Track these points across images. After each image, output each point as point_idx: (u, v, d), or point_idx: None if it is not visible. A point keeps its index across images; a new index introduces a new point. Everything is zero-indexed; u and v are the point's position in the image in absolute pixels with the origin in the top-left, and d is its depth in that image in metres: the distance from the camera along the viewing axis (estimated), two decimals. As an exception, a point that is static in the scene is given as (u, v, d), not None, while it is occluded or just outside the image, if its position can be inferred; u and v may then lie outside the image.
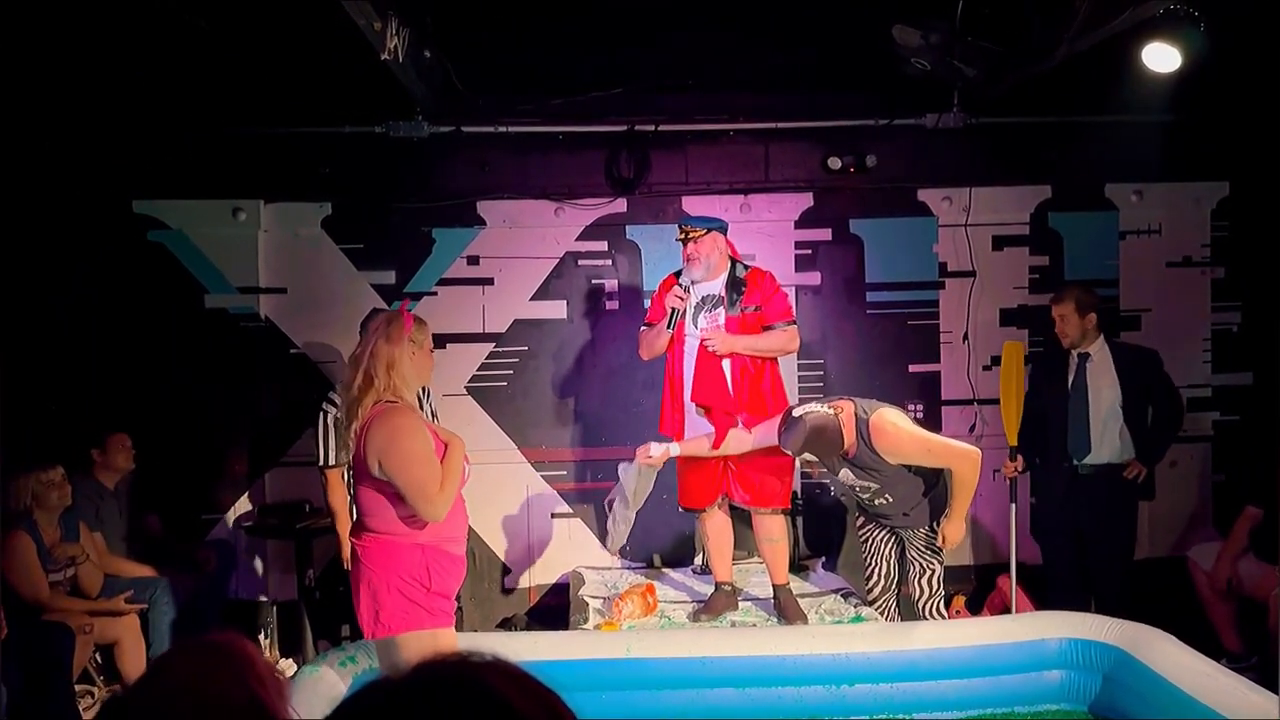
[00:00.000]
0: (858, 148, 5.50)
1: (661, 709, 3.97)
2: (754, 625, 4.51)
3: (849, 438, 4.03)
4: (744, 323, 4.42)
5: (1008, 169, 5.62)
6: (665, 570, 5.41)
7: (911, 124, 5.37)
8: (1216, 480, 5.71)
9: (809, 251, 5.62)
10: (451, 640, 3.18)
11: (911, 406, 5.56)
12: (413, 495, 2.95)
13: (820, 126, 5.49)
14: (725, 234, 4.52)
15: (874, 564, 4.44)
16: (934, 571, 4.30)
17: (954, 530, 4.16)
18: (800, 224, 5.61)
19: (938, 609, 4.33)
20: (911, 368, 5.61)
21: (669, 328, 4.43)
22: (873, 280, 5.63)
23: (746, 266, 4.57)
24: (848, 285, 5.63)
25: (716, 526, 4.64)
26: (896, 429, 4.02)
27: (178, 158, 5.29)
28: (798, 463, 5.06)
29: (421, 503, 2.95)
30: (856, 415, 4.05)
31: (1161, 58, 4.45)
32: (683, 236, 4.46)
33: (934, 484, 4.18)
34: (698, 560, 5.34)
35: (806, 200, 5.61)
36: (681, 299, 4.41)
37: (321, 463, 4.58)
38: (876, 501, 4.24)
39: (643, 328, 4.68)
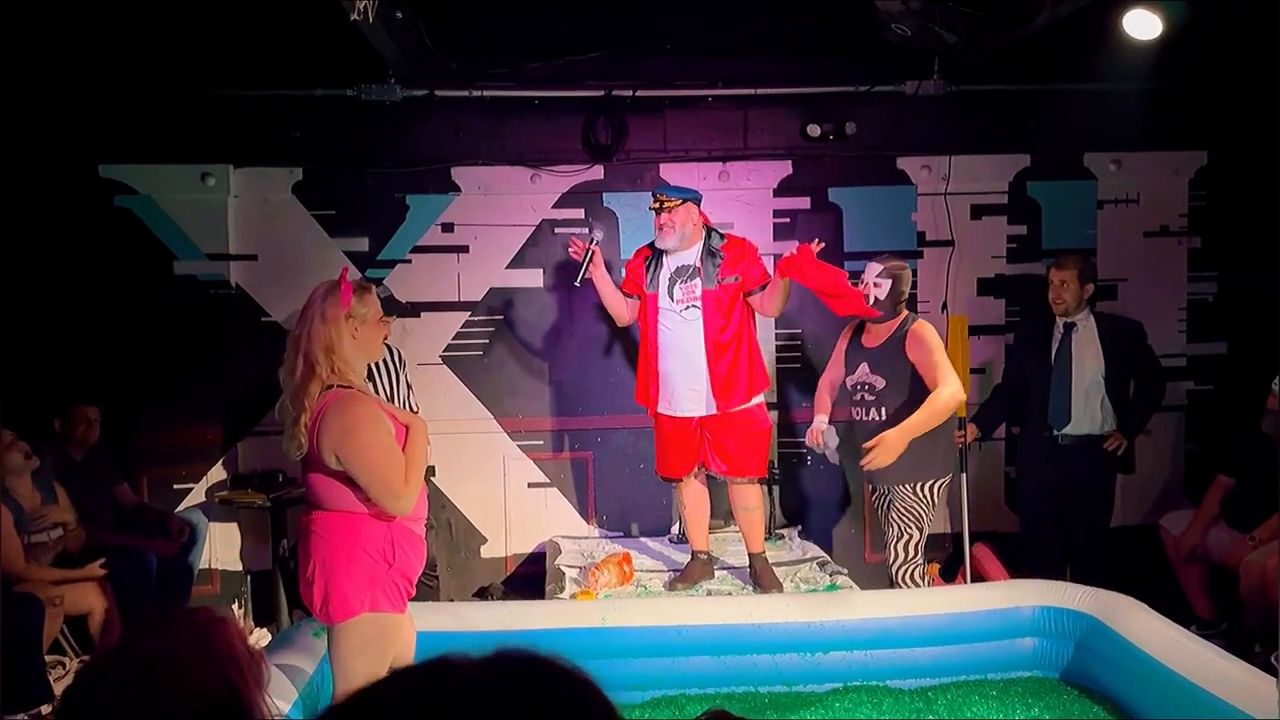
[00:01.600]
0: (837, 115, 5.45)
1: (638, 677, 3.97)
2: (729, 594, 4.52)
3: (899, 318, 4.31)
4: (722, 296, 4.38)
5: (987, 137, 5.59)
6: (642, 539, 5.41)
7: (891, 91, 5.31)
8: (1189, 450, 5.75)
9: (787, 220, 5.58)
10: (410, 631, 3.03)
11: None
12: (376, 491, 2.76)
13: (800, 93, 5.44)
14: (699, 205, 4.48)
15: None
16: (911, 538, 4.32)
17: (894, 439, 4.03)
18: (779, 192, 5.57)
19: (912, 576, 4.34)
20: (889, 337, 5.59)
21: (577, 281, 4.48)
22: (851, 249, 5.60)
23: (722, 236, 4.51)
24: (826, 254, 5.58)
25: (693, 496, 4.65)
26: (929, 333, 4.26)
27: (145, 121, 5.17)
28: (775, 430, 5.09)
29: (387, 498, 2.76)
30: (908, 315, 4.37)
31: (1143, 25, 4.43)
32: (656, 205, 4.41)
33: (930, 437, 4.16)
34: (675, 529, 5.35)
35: (785, 168, 5.56)
36: (589, 247, 4.46)
37: None
38: (870, 414, 4.30)
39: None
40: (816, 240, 4.38)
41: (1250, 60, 5.06)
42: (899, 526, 4.32)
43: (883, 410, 4.27)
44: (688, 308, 4.41)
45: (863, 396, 4.35)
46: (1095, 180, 5.67)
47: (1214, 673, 3.33)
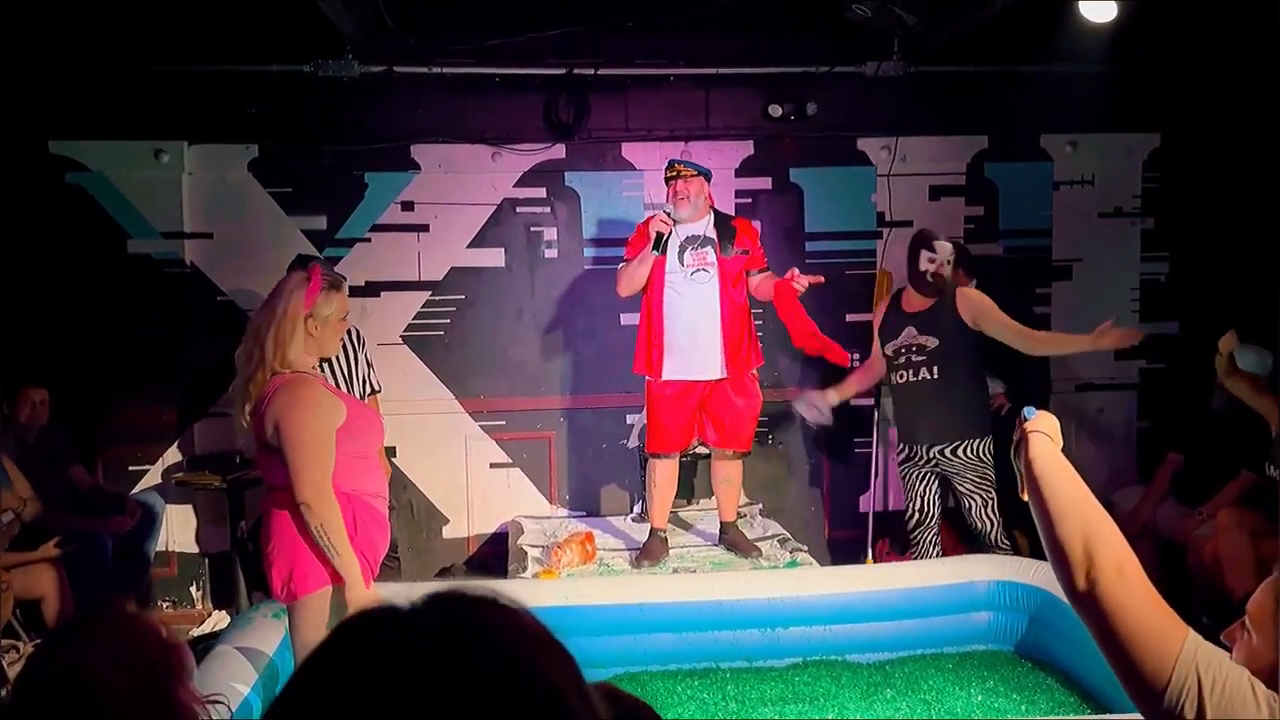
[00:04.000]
0: (798, 95, 5.46)
1: (600, 655, 3.99)
2: (694, 571, 4.56)
3: (951, 281, 4.49)
4: (734, 266, 4.56)
5: (946, 119, 5.63)
6: (604, 518, 5.43)
7: (851, 72, 5.33)
8: (1141, 427, 5.86)
9: (749, 200, 5.59)
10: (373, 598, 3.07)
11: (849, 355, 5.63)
12: (295, 473, 2.75)
13: (761, 73, 5.44)
14: (709, 182, 4.61)
15: (911, 499, 4.65)
16: (991, 501, 4.48)
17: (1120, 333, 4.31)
18: (741, 172, 5.58)
19: (1002, 538, 4.51)
20: (849, 317, 5.62)
21: (655, 249, 4.44)
22: (812, 230, 5.64)
23: (729, 215, 4.73)
24: (788, 235, 5.62)
25: (667, 474, 4.73)
26: (983, 296, 4.46)
27: (97, 96, 5.06)
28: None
29: (303, 484, 2.74)
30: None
31: (1098, 8, 4.48)
32: (673, 173, 4.52)
33: (979, 395, 4.41)
34: (636, 509, 5.37)
35: (747, 148, 5.57)
36: (666, 224, 4.43)
37: None
38: (920, 374, 4.44)
39: (621, 264, 4.65)
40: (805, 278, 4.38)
41: (1202, 44, 5.14)
42: (981, 496, 4.47)
43: (934, 369, 4.43)
44: (697, 271, 4.51)
45: (909, 359, 4.48)
46: (1051, 162, 5.73)
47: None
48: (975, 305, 4.43)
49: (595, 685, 1.47)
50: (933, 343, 4.44)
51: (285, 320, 2.85)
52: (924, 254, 4.46)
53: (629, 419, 5.41)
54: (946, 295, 4.44)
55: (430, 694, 0.68)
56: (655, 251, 4.45)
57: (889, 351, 4.57)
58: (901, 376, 4.54)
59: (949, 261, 4.47)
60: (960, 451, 4.45)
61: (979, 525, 4.51)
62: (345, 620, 0.76)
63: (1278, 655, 1.38)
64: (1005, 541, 4.52)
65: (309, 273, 2.95)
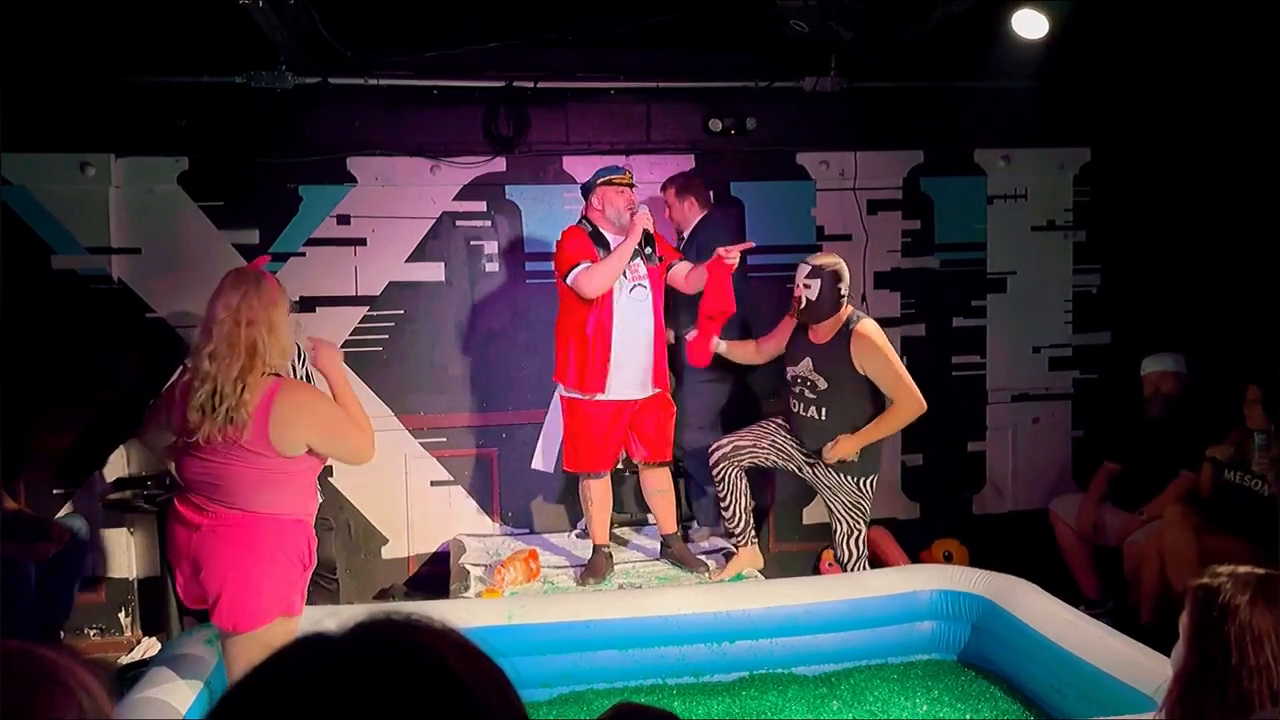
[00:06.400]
0: (738, 110, 5.49)
1: (545, 674, 3.94)
2: (639, 586, 4.52)
3: (842, 314, 4.20)
4: (659, 275, 4.54)
5: (882, 133, 5.69)
6: (547, 535, 5.37)
7: (790, 87, 5.38)
8: (1076, 436, 5.97)
9: (690, 213, 5.59)
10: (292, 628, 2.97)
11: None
12: (350, 454, 2.94)
13: (701, 87, 5.46)
14: None
15: (732, 500, 4.51)
16: (860, 533, 4.39)
17: (848, 444, 4.18)
18: (682, 186, 5.58)
19: (862, 569, 4.43)
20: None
21: (649, 248, 4.39)
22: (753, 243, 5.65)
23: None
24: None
25: (602, 490, 4.70)
26: (875, 336, 4.18)
27: (19, 108, 4.88)
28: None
29: (358, 456, 2.95)
30: (852, 312, 4.25)
31: (1030, 24, 4.58)
32: (624, 181, 4.49)
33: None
34: (580, 525, 5.32)
35: (688, 162, 5.58)
36: (650, 219, 4.41)
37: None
38: (809, 412, 4.27)
39: (584, 265, 4.37)
40: (734, 249, 4.40)
41: (1130, 60, 5.28)
42: (849, 523, 4.38)
43: (823, 410, 4.26)
44: (635, 287, 4.48)
45: (803, 391, 4.32)
46: (985, 176, 5.83)
47: (1102, 649, 3.47)
48: (865, 353, 4.15)
49: (619, 704, 1.48)
50: (823, 384, 4.24)
51: (271, 310, 2.77)
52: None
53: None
54: (841, 332, 4.20)
55: (362, 714, 0.69)
56: (649, 251, 4.38)
57: (789, 374, 4.40)
58: (795, 405, 4.38)
59: (806, 284, 4.18)
60: (840, 473, 4.34)
61: (841, 553, 4.42)
62: (279, 648, 0.76)
63: None
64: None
65: (260, 267, 2.95)
